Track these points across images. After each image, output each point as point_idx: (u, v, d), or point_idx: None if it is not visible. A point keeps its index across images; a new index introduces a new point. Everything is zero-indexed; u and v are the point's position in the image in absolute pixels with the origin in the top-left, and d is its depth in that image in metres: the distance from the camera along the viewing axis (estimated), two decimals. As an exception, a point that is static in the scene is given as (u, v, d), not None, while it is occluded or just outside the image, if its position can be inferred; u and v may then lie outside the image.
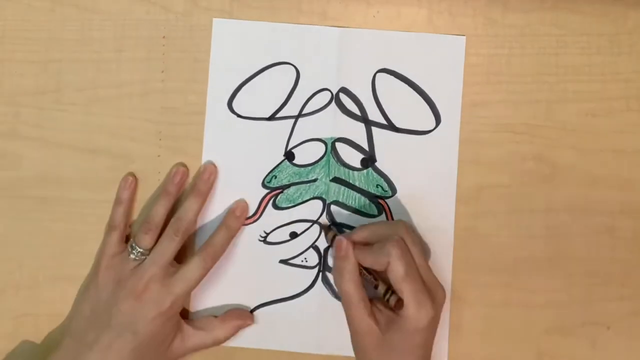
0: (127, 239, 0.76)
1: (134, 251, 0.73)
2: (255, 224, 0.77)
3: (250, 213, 0.77)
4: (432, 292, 0.70)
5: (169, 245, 0.73)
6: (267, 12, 0.77)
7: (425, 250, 0.75)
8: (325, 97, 0.77)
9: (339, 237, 0.73)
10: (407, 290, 0.68)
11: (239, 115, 0.77)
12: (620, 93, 0.77)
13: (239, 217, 0.76)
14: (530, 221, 0.77)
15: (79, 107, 0.77)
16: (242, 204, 0.76)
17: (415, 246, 0.71)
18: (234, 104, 0.77)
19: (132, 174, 0.77)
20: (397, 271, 0.68)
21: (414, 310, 0.68)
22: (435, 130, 0.77)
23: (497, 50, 0.77)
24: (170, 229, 0.73)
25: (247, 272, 0.76)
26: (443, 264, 0.76)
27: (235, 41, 0.77)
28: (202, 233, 0.77)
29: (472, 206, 0.77)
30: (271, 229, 0.77)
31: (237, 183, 0.77)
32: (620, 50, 0.77)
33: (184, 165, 0.76)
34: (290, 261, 0.77)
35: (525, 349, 0.77)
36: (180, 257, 0.75)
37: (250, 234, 0.77)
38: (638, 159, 0.77)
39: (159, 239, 0.73)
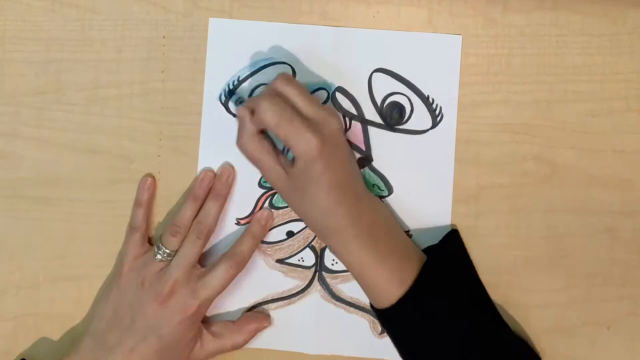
0: (149, 240, 0.76)
1: (160, 252, 0.73)
2: (252, 223, 0.77)
3: (247, 213, 0.77)
4: (319, 124, 0.69)
5: (192, 249, 0.73)
6: (267, 12, 0.77)
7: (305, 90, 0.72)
8: (321, 96, 0.76)
9: (237, 107, 0.74)
10: (284, 134, 0.68)
11: (235, 115, 0.76)
12: (620, 93, 0.77)
13: (264, 226, 0.76)
14: (530, 221, 0.77)
15: (79, 107, 0.77)
16: (266, 213, 0.76)
17: (289, 88, 0.70)
18: (230, 104, 0.77)
19: (151, 175, 0.77)
20: (269, 120, 0.68)
21: (299, 146, 0.68)
22: (431, 130, 0.76)
23: (497, 50, 0.77)
24: (192, 232, 0.74)
25: (243, 271, 0.75)
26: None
27: (231, 41, 0.77)
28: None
29: (472, 206, 0.77)
30: (268, 228, 0.77)
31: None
32: (620, 50, 0.77)
33: (211, 170, 0.76)
34: (287, 260, 0.77)
35: (524, 349, 0.76)
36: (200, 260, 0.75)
37: (247, 233, 0.77)
38: (638, 159, 0.77)
39: (183, 243, 0.74)
